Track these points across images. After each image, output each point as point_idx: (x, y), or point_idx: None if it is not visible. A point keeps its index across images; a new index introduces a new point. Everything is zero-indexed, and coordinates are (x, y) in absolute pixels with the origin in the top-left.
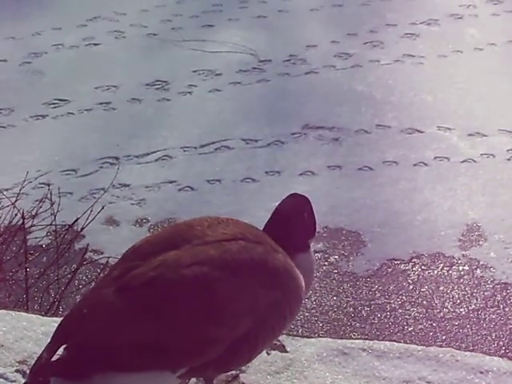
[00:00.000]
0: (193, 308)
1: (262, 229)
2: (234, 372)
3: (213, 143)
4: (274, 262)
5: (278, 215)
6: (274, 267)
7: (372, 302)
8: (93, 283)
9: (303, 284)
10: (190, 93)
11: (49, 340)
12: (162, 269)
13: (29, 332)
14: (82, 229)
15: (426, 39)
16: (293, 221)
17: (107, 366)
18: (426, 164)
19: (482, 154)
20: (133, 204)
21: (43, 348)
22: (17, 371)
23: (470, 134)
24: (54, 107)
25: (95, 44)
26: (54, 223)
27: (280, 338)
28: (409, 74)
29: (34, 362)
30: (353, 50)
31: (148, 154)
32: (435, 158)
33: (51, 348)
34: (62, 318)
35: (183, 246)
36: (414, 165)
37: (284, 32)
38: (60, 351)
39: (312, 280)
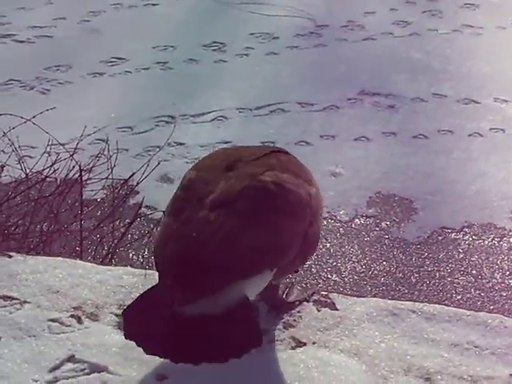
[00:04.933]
0: (282, 208)
1: None
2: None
3: (268, 105)
4: (303, 165)
5: None
6: (306, 168)
7: (421, 269)
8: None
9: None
10: (246, 55)
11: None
12: (242, 181)
13: (84, 279)
14: (137, 184)
15: (486, 10)
16: None
17: (233, 276)
18: (481, 135)
19: None
20: (187, 162)
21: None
22: (71, 316)
23: None
24: (112, 65)
25: (153, 4)
26: (109, 178)
27: (330, 296)
28: (467, 44)
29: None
30: (411, 18)
31: (204, 114)
32: (490, 129)
33: (167, 277)
34: (155, 252)
35: (238, 164)
36: (469, 135)
37: None
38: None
39: None
